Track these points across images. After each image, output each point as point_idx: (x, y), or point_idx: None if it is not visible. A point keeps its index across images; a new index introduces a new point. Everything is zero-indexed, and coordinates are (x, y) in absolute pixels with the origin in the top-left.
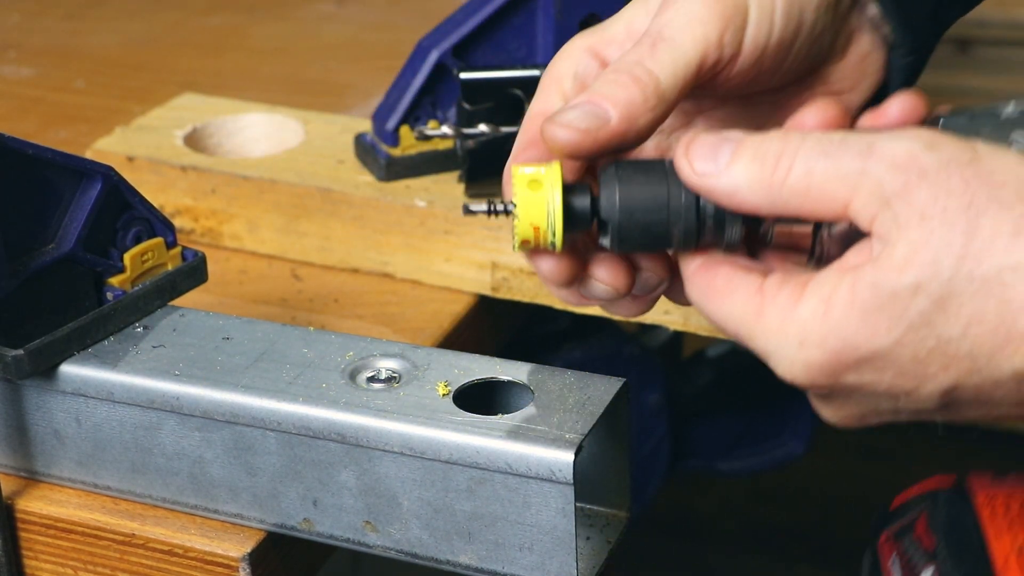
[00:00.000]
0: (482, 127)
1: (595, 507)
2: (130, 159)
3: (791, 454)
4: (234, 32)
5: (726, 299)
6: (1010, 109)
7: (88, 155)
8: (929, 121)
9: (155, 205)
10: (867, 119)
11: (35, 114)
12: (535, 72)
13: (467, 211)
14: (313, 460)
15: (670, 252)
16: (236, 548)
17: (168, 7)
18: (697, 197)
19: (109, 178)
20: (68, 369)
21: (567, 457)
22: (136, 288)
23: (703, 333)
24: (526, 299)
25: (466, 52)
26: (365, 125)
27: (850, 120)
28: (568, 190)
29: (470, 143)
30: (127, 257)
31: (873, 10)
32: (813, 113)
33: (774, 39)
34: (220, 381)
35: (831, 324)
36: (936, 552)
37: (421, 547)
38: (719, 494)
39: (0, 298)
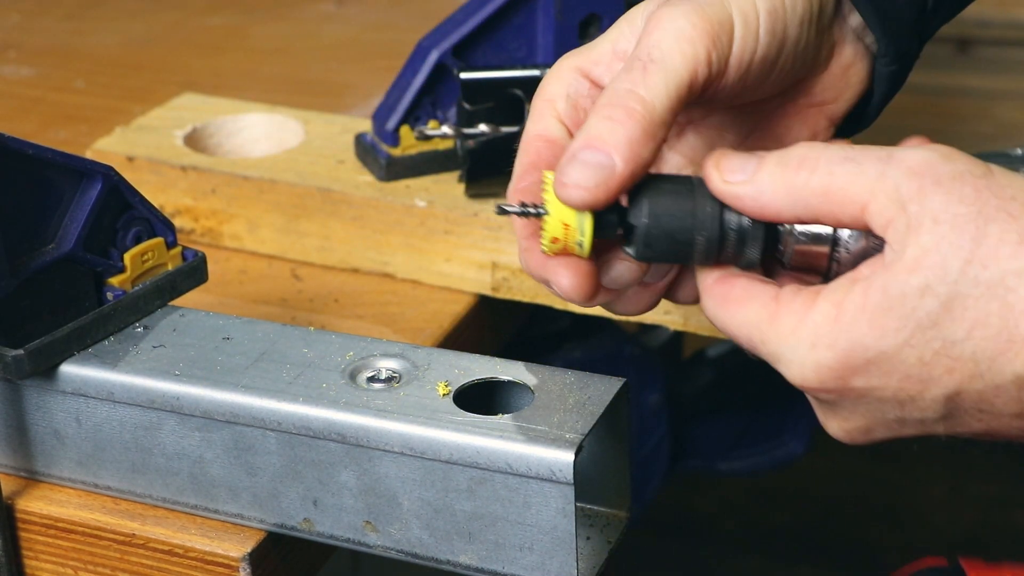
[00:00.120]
0: (482, 127)
1: (595, 507)
2: (130, 159)
3: (791, 454)
4: (234, 32)
5: (741, 307)
6: (1020, 152)
7: (88, 155)
8: None
9: (155, 205)
10: None
11: (35, 114)
12: (535, 72)
13: (500, 211)
14: (313, 460)
15: (692, 263)
16: (236, 548)
17: (168, 7)
18: (721, 211)
19: (109, 178)
20: (68, 369)
21: (567, 457)
22: (136, 288)
23: (703, 333)
24: (526, 299)
25: (466, 52)
26: (365, 125)
27: (834, 130)
28: None
29: (470, 143)
30: (127, 257)
31: (855, 20)
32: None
33: (759, 55)
34: (220, 381)
35: (842, 326)
36: None
37: (421, 547)
38: (719, 494)
39: (0, 298)
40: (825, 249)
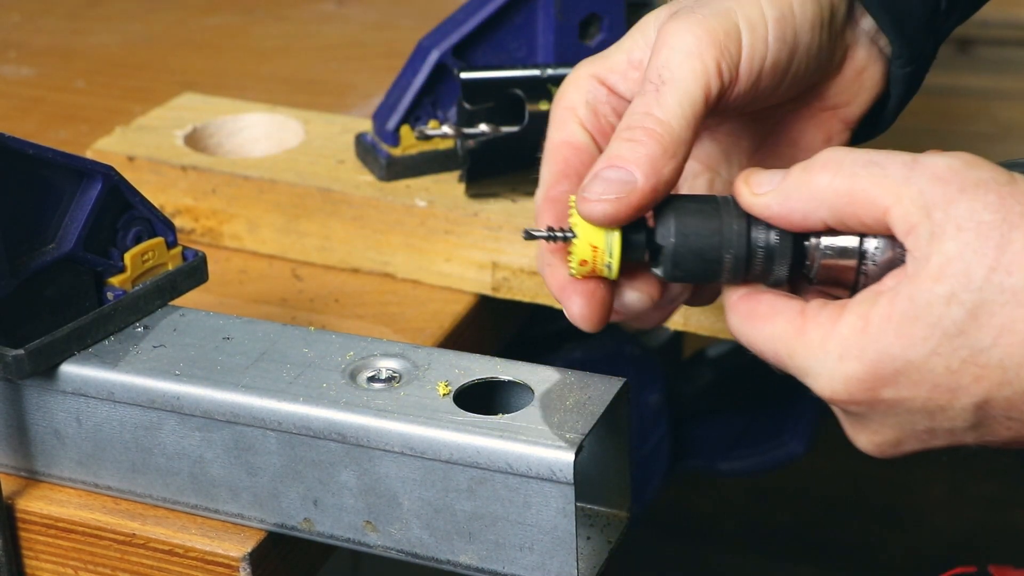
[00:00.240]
0: (482, 127)
1: (595, 507)
2: (130, 159)
3: (791, 454)
4: (234, 32)
5: (768, 322)
6: None
7: (88, 155)
8: None
9: (155, 205)
10: None
11: (35, 114)
12: (535, 72)
13: (528, 236)
14: (313, 460)
15: (720, 282)
16: (236, 548)
17: (168, 7)
18: (748, 229)
19: (109, 178)
20: (68, 369)
21: (567, 457)
22: (136, 288)
23: (703, 333)
24: (526, 299)
25: (466, 52)
26: (365, 125)
27: (851, 132)
28: None
29: (470, 143)
30: (127, 257)
31: (868, 23)
32: (814, 132)
33: (769, 61)
34: (220, 381)
35: (869, 337)
36: None
37: (421, 547)
38: (719, 494)
39: (0, 298)
40: (852, 263)
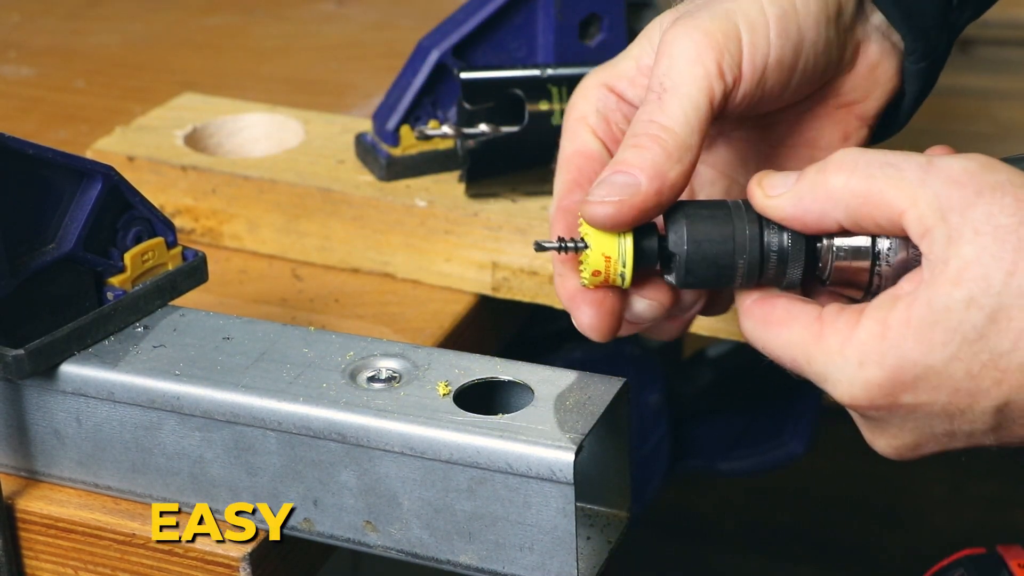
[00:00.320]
0: (482, 127)
1: (595, 507)
2: (130, 159)
3: (791, 454)
4: (234, 32)
5: (784, 327)
6: None
7: (88, 155)
8: None
9: (155, 205)
10: None
11: (35, 114)
12: (535, 72)
13: (539, 247)
14: (313, 460)
15: (733, 287)
16: (236, 548)
17: (168, 7)
18: (761, 232)
19: (109, 178)
20: (68, 369)
21: (567, 457)
22: (136, 288)
23: (703, 333)
24: (526, 299)
25: (466, 52)
26: (365, 125)
27: (869, 129)
28: (636, 228)
29: (470, 143)
30: (127, 257)
31: (878, 19)
32: (831, 130)
33: (772, 58)
34: (220, 381)
35: (889, 343)
36: None
37: (421, 547)
38: (719, 494)
39: (0, 298)
40: (866, 264)
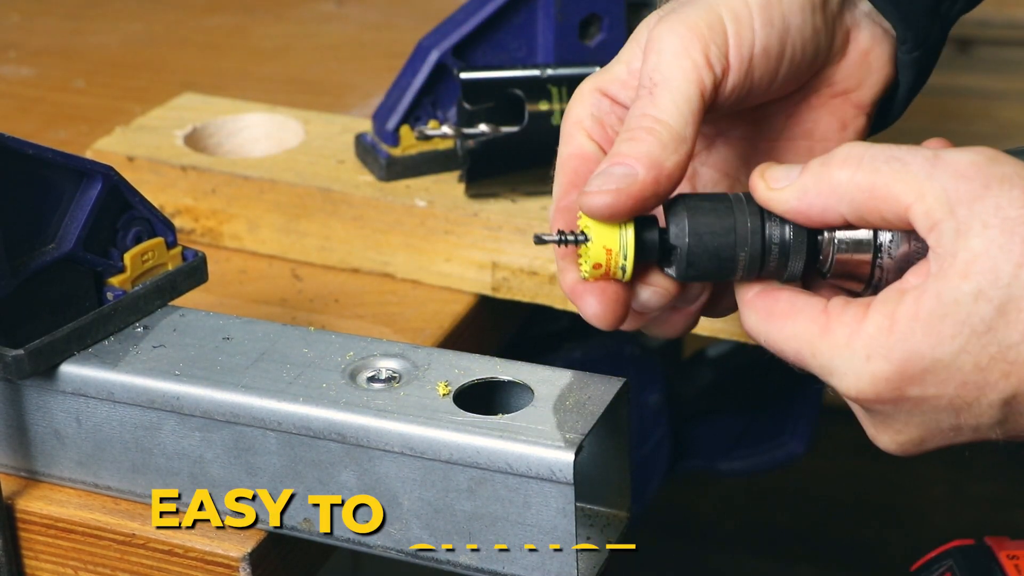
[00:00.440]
0: (482, 127)
1: (595, 507)
2: (130, 159)
3: (791, 454)
4: (234, 32)
5: (788, 320)
6: None
7: (88, 155)
8: None
9: (155, 205)
10: None
11: (35, 114)
12: (535, 72)
13: (538, 240)
14: (313, 460)
15: (733, 280)
16: (236, 548)
17: (168, 7)
18: (762, 225)
19: (109, 178)
20: (68, 369)
21: (567, 457)
22: (136, 288)
23: (703, 333)
24: (526, 299)
25: (466, 52)
26: (365, 125)
27: (866, 117)
28: (637, 220)
29: (470, 143)
30: (127, 257)
31: (867, 5)
32: (828, 120)
33: (758, 47)
34: (220, 381)
35: (897, 336)
36: None
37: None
38: (719, 494)
39: (0, 298)
40: (867, 256)
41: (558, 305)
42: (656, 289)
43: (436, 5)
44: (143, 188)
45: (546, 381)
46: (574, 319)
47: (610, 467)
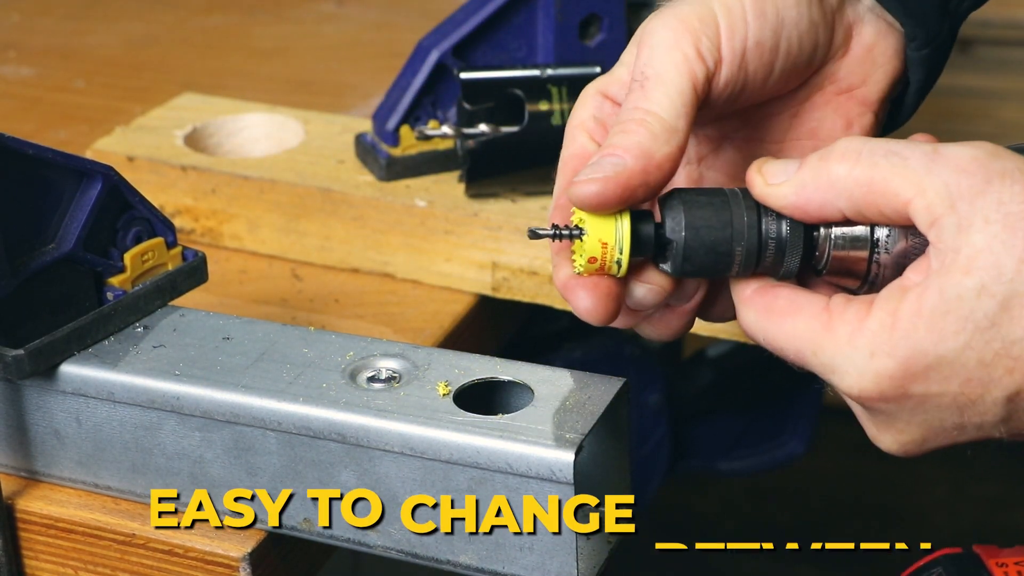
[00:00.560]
0: (482, 127)
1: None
2: (130, 159)
3: (791, 454)
4: (234, 32)
5: (789, 317)
6: None
7: (88, 155)
8: None
9: (155, 205)
10: None
11: (35, 114)
12: (535, 72)
13: (533, 234)
14: (313, 460)
15: (729, 275)
16: (236, 548)
17: (168, 7)
18: (759, 220)
19: (109, 178)
20: (68, 369)
21: (567, 457)
22: (136, 288)
23: (703, 333)
24: (526, 299)
25: (466, 52)
26: (365, 125)
27: (874, 115)
28: (633, 214)
29: (470, 143)
30: (127, 257)
31: (869, 0)
32: (833, 118)
33: (751, 40)
34: (220, 381)
35: (900, 333)
36: None
37: (421, 547)
38: (719, 494)
39: (0, 298)
40: (864, 253)
41: (558, 305)
42: (651, 286)
43: (436, 5)
44: (143, 188)
45: (546, 381)
46: (574, 319)
47: (610, 467)
